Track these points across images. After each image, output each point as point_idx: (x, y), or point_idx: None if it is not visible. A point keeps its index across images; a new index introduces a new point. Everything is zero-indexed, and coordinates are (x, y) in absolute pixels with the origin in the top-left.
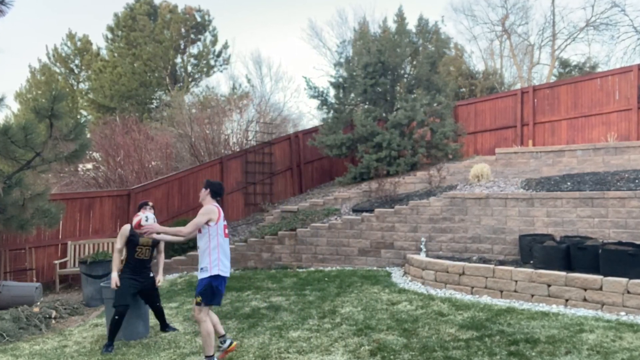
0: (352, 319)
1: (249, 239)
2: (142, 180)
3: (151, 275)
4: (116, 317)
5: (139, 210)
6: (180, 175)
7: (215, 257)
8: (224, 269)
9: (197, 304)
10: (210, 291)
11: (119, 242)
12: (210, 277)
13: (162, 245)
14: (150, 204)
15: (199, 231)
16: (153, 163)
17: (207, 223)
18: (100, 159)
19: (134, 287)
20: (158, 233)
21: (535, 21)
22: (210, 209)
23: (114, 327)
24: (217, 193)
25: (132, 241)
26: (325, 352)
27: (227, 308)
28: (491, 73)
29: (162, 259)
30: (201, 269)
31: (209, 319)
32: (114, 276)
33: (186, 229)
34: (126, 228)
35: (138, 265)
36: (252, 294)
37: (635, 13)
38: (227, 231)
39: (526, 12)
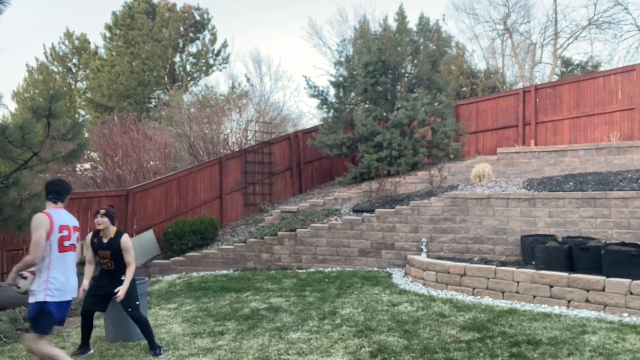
0: (352, 320)
1: (248, 240)
2: (141, 180)
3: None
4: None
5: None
6: (179, 175)
7: (44, 279)
8: (56, 292)
9: (27, 330)
10: (43, 318)
11: (88, 253)
12: (38, 302)
13: (128, 257)
14: (102, 211)
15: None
16: (151, 163)
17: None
18: (98, 158)
19: (95, 289)
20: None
21: (537, 20)
22: (37, 219)
23: (81, 329)
24: (51, 192)
25: (94, 250)
26: (325, 353)
27: (227, 309)
28: (493, 72)
29: (129, 271)
30: (31, 290)
31: (43, 349)
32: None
33: (30, 255)
34: (88, 237)
35: (103, 274)
36: (252, 295)
37: (638, 12)
38: (72, 242)
39: (528, 10)
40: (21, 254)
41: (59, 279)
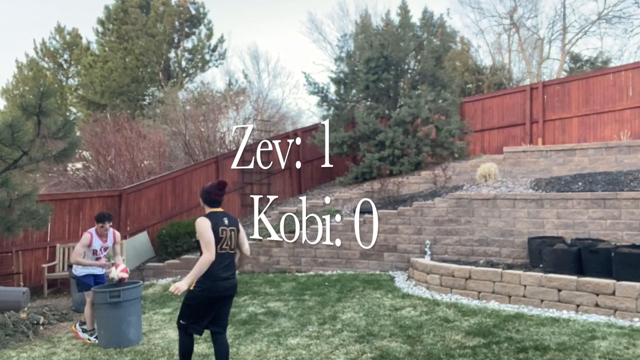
0: (353, 325)
1: None
2: (134, 180)
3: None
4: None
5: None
6: (174, 175)
7: None
8: None
9: None
10: None
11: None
12: None
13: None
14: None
15: None
16: (145, 162)
17: None
18: (90, 158)
19: None
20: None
21: (545, 14)
22: None
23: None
24: None
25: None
26: (325, 359)
27: None
28: (499, 68)
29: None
30: None
31: None
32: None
33: None
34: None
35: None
36: (249, 299)
37: None
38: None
39: (535, 4)
40: (10, 256)
41: None
